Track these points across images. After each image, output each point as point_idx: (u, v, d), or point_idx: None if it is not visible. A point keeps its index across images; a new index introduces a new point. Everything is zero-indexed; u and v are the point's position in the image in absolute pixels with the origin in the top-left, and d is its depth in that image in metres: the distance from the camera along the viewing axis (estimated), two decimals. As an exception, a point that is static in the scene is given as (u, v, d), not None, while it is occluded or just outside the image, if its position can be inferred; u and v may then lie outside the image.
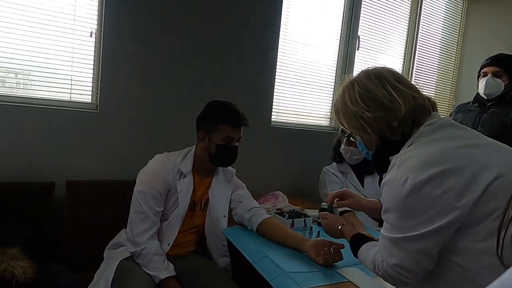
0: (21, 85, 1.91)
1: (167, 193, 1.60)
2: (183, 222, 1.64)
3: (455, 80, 3.70)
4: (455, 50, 3.66)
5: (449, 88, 3.69)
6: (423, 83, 3.48)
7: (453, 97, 3.70)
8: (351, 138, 1.09)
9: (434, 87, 3.61)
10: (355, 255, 1.15)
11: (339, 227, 1.28)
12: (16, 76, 1.91)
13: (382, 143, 0.99)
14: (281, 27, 2.55)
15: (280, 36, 2.55)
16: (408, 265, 0.89)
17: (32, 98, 1.88)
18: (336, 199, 1.40)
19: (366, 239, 1.16)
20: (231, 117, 1.59)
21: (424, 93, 1.01)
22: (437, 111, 1.00)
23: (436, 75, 3.60)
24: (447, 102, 3.69)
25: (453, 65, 3.67)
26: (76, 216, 1.80)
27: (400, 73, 1.02)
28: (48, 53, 1.88)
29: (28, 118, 1.82)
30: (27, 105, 1.83)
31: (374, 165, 1.06)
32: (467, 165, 0.84)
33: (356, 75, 1.03)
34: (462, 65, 3.68)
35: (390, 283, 0.99)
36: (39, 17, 1.84)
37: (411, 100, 0.94)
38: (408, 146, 0.94)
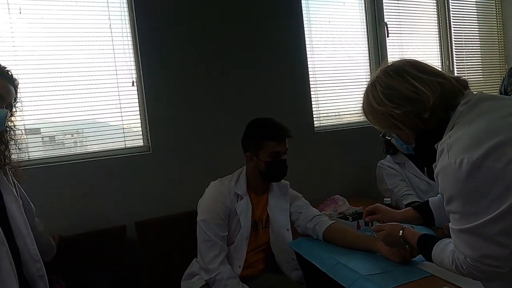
0: (78, 143, 2.11)
1: (228, 217, 1.63)
2: (249, 243, 1.66)
3: (502, 44, 3.43)
4: (494, 13, 3.41)
5: (497, 54, 3.42)
6: (466, 56, 3.27)
7: (503, 61, 3.42)
8: (387, 137, 1.06)
9: (480, 57, 3.37)
10: (429, 260, 1.07)
11: (400, 233, 1.19)
12: (72, 136, 2.11)
13: (419, 135, 0.96)
14: (305, 34, 2.56)
15: (307, 42, 2.56)
16: (496, 253, 0.81)
17: (91, 153, 2.06)
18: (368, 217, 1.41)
19: (434, 238, 1.08)
20: (274, 132, 1.61)
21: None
22: (469, 89, 0.95)
23: (479, 45, 3.36)
24: (498, 69, 3.41)
25: (495, 29, 3.41)
26: (149, 253, 1.90)
27: (421, 61, 0.98)
28: (100, 109, 2.07)
29: (90, 171, 1.99)
30: (88, 159, 2.01)
31: (419, 158, 1.02)
32: None
33: (375, 75, 1.01)
34: (506, 27, 3.41)
35: (482, 280, 0.92)
36: (86, 79, 2.03)
37: (437, 86, 0.91)
38: (451, 129, 0.89)
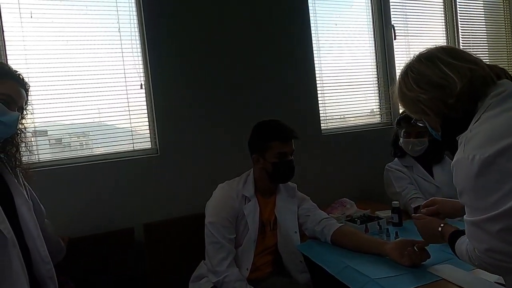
0: (87, 145, 2.13)
1: (236, 219, 1.63)
2: (257, 245, 1.65)
3: (510, 45, 3.40)
4: (502, 14, 3.37)
5: (505, 55, 3.38)
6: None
7: (512, 60, 3.40)
8: (419, 123, 1.06)
9: (488, 59, 3.33)
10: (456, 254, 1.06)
11: (440, 229, 1.14)
12: (80, 138, 2.13)
13: (444, 123, 0.96)
14: (312, 36, 2.56)
15: (313, 45, 2.56)
16: (499, 248, 0.82)
17: (100, 155, 2.07)
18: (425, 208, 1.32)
19: (461, 232, 1.06)
20: (279, 133, 1.62)
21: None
22: (508, 78, 0.93)
23: (486, 46, 3.33)
24: (506, 67, 3.37)
25: (503, 30, 3.38)
26: (157, 255, 1.91)
27: (458, 48, 0.99)
28: (108, 112, 2.09)
29: (99, 173, 2.00)
30: (97, 161, 2.03)
31: (445, 146, 1.01)
32: None
33: (409, 62, 1.02)
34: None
35: (491, 272, 0.92)
36: (95, 82, 2.05)
37: (467, 73, 0.90)
38: (475, 122, 0.88)
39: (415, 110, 1.01)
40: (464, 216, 0.90)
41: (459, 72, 0.90)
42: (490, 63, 3.01)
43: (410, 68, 1.00)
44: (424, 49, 1.01)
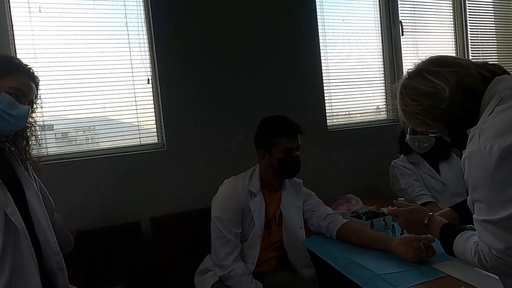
0: (94, 139, 2.14)
1: (242, 214, 1.64)
2: (262, 240, 1.66)
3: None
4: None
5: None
6: (482, 54, 3.20)
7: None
8: (430, 135, 1.08)
9: (497, 55, 3.30)
10: (449, 252, 1.03)
11: (425, 221, 1.14)
12: (87, 132, 2.15)
13: (449, 125, 0.96)
14: (319, 32, 2.55)
15: (320, 40, 2.55)
16: None
17: (107, 149, 2.09)
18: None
19: (457, 228, 1.04)
20: (286, 128, 1.62)
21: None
22: (507, 73, 0.93)
23: (495, 42, 3.29)
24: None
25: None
26: (163, 248, 1.93)
27: (446, 55, 1.01)
28: (115, 107, 2.11)
29: (106, 167, 2.03)
30: (104, 155, 2.05)
31: (457, 145, 0.99)
32: None
33: (400, 81, 1.05)
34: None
35: (504, 276, 0.88)
36: (102, 77, 2.06)
37: (453, 76, 0.91)
38: (489, 115, 0.86)
39: (416, 123, 1.02)
40: (475, 216, 0.86)
41: (446, 77, 0.92)
42: (499, 59, 2.97)
43: (403, 86, 1.03)
44: (413, 67, 1.04)
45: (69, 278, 1.28)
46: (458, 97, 0.90)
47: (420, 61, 1.02)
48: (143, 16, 2.13)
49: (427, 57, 1.02)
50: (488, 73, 0.92)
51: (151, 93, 2.17)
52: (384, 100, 2.86)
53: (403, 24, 2.85)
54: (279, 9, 2.41)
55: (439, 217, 1.15)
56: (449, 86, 0.91)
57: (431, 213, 1.17)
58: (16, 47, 1.91)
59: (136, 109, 2.14)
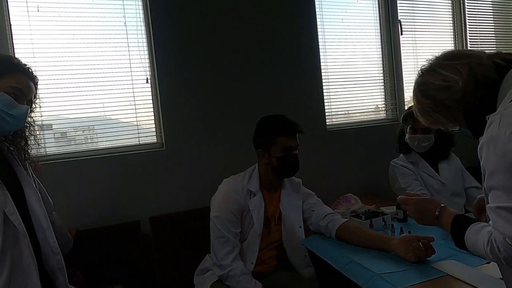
0: (93, 139, 2.14)
1: (241, 214, 1.64)
2: (261, 240, 1.66)
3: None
4: (511, 4, 3.33)
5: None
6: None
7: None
8: (450, 131, 1.07)
9: (495, 50, 3.29)
10: (459, 245, 0.99)
11: (437, 212, 1.09)
12: (86, 132, 2.14)
13: (466, 116, 0.96)
14: (318, 31, 2.55)
15: (319, 40, 2.55)
16: None
17: (106, 149, 2.09)
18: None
19: (469, 220, 1.00)
20: (284, 127, 1.62)
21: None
22: None
23: (494, 42, 3.29)
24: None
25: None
26: (163, 248, 1.93)
27: (458, 49, 1.00)
28: (114, 106, 2.11)
29: (105, 167, 2.02)
30: (103, 155, 2.04)
31: (477, 135, 0.97)
32: None
33: (415, 80, 1.06)
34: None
35: None
36: (101, 76, 2.06)
37: (465, 67, 0.92)
38: (510, 101, 0.85)
39: (431, 120, 1.02)
40: (489, 204, 0.85)
41: (458, 69, 0.93)
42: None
43: (416, 83, 1.04)
44: (425, 62, 1.04)
45: (68, 278, 1.28)
46: (471, 87, 0.91)
47: (433, 57, 1.02)
48: (141, 15, 2.13)
49: (441, 53, 1.02)
50: (503, 61, 0.92)
51: (150, 93, 2.16)
52: (383, 99, 2.86)
53: (402, 23, 2.85)
54: (278, 9, 2.40)
55: (451, 209, 1.11)
56: (462, 78, 0.92)
57: (443, 205, 1.13)
58: (15, 47, 1.90)
59: (135, 109, 2.13)
